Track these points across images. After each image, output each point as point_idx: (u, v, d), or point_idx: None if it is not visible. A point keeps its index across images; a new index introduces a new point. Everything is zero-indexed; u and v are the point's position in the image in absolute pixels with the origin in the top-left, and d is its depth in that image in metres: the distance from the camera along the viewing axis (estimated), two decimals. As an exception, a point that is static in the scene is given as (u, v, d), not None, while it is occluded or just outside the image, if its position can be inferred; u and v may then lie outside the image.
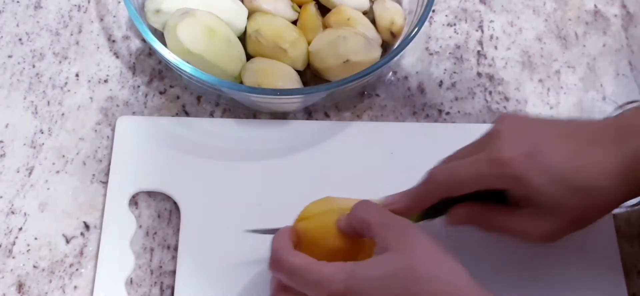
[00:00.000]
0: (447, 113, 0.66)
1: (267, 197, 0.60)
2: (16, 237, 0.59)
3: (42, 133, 0.64)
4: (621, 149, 0.49)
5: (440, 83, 0.67)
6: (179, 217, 0.60)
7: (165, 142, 0.62)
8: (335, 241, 0.51)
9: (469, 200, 0.53)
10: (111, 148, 0.63)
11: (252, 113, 0.65)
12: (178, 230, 0.59)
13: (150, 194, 0.61)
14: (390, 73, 0.68)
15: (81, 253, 0.58)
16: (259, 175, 0.61)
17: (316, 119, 0.65)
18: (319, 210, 0.52)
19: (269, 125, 0.64)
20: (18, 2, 0.71)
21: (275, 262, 0.49)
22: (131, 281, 0.57)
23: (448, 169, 0.53)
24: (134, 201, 0.60)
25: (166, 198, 0.61)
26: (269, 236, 0.51)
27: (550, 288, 0.57)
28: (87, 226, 0.59)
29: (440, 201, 0.53)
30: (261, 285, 0.56)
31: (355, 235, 0.50)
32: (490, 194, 0.51)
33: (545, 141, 0.50)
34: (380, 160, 0.62)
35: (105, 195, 0.60)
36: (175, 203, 0.60)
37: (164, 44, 0.61)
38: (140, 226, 0.59)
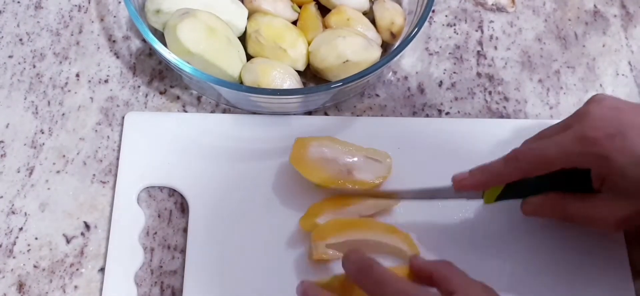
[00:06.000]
0: (447, 113, 0.66)
1: (278, 192, 0.60)
2: (17, 237, 0.59)
3: (43, 133, 0.64)
4: None
5: (440, 84, 0.67)
6: (179, 217, 0.60)
7: (174, 138, 0.62)
8: None
9: (546, 187, 0.54)
10: (112, 148, 0.63)
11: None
12: (178, 230, 0.59)
13: (151, 194, 0.61)
14: (390, 73, 0.68)
15: (82, 253, 0.58)
16: (270, 170, 0.61)
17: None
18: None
19: (286, 120, 0.64)
20: (18, 2, 0.71)
21: None
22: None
23: (534, 147, 0.54)
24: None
25: (167, 198, 0.61)
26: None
27: (558, 290, 0.57)
28: (87, 226, 0.60)
29: (519, 182, 0.54)
30: (271, 273, 0.57)
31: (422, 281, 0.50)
32: (569, 182, 0.53)
33: (632, 123, 0.50)
34: None
35: (105, 195, 0.61)
36: (175, 202, 0.60)
37: (164, 44, 0.61)
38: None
